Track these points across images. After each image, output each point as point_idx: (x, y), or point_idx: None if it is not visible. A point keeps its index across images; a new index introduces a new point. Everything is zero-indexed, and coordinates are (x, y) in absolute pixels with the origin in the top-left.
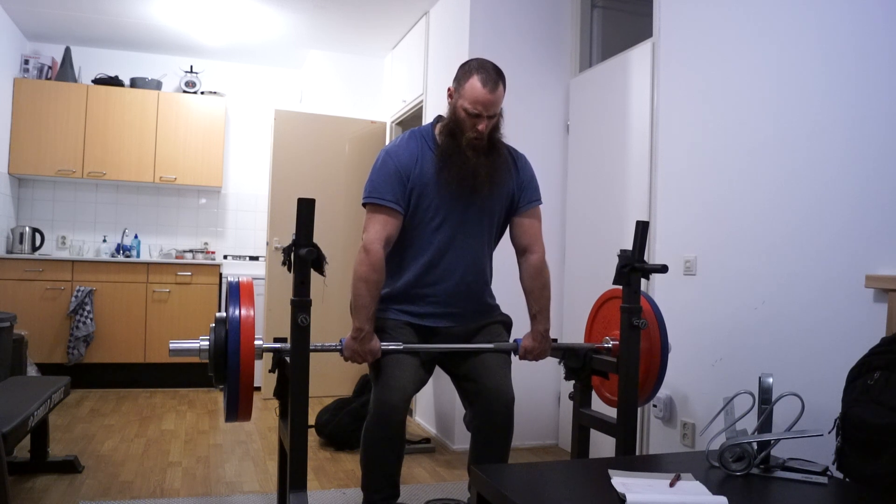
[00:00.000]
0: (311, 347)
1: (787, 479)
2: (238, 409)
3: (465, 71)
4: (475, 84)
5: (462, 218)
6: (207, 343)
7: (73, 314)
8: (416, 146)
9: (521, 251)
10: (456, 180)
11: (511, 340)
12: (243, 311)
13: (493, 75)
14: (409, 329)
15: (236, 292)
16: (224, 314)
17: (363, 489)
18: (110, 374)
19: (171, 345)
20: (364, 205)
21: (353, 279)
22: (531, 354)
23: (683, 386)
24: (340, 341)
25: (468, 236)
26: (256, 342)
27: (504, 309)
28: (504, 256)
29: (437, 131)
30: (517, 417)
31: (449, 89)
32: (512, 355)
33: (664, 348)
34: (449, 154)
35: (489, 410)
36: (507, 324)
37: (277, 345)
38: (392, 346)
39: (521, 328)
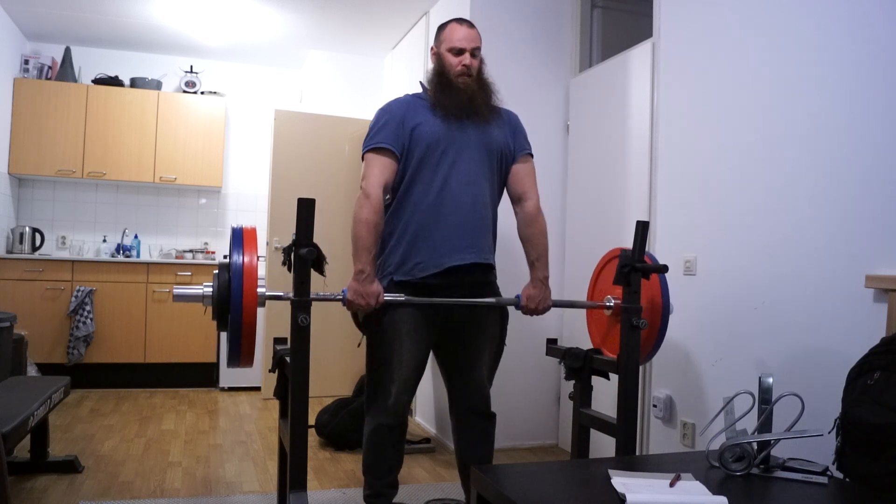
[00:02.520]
0: (312, 296)
1: (787, 479)
2: (241, 353)
3: (441, 27)
4: (453, 26)
5: (465, 144)
6: (211, 289)
7: (73, 314)
8: (408, 100)
9: (516, 200)
10: (454, 105)
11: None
12: (246, 258)
13: (464, 18)
14: (411, 302)
15: (239, 238)
16: (227, 260)
17: (364, 474)
18: (110, 374)
19: (175, 290)
20: (363, 157)
21: (353, 223)
22: (533, 302)
23: (683, 386)
24: (343, 291)
25: (472, 162)
26: (259, 290)
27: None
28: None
29: (426, 86)
30: (517, 417)
31: (432, 48)
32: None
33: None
34: (442, 89)
35: (470, 406)
36: (504, 315)
37: (281, 293)
38: (394, 297)
39: (519, 330)
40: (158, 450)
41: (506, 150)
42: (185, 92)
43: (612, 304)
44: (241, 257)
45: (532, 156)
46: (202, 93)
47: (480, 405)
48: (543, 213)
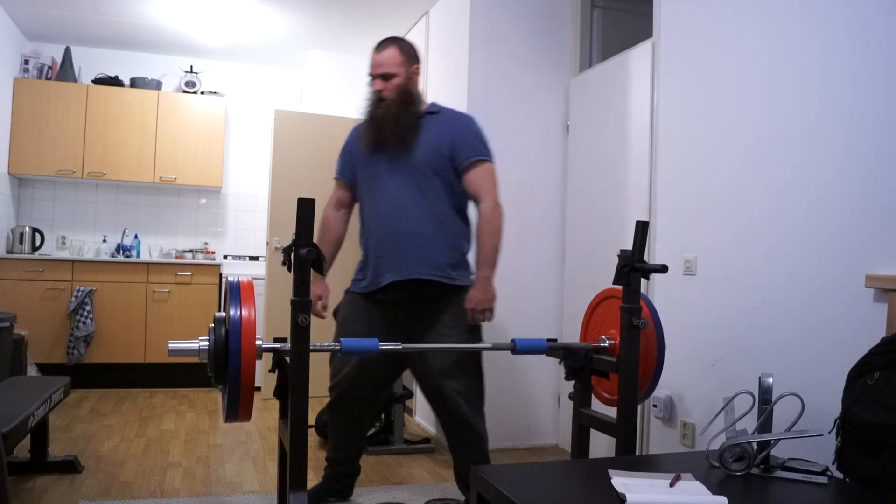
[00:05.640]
0: (311, 347)
1: (787, 479)
2: (238, 409)
3: None
4: (372, 53)
5: (382, 171)
6: (207, 343)
7: (73, 314)
8: (354, 131)
9: (475, 204)
10: (369, 135)
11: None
12: (244, 311)
13: (386, 40)
14: (359, 298)
15: (237, 292)
16: (223, 314)
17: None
18: (110, 374)
19: (170, 345)
20: None
21: None
22: (471, 303)
23: (683, 386)
24: (340, 341)
25: (396, 190)
26: (256, 342)
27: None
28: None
29: None
30: (517, 417)
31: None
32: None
33: (660, 347)
34: (367, 117)
35: (442, 416)
36: (473, 328)
37: (277, 345)
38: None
39: (519, 330)
40: (158, 450)
41: (440, 163)
42: (185, 92)
43: (606, 343)
44: (238, 311)
45: (484, 159)
46: (202, 93)
47: (451, 416)
48: (502, 211)
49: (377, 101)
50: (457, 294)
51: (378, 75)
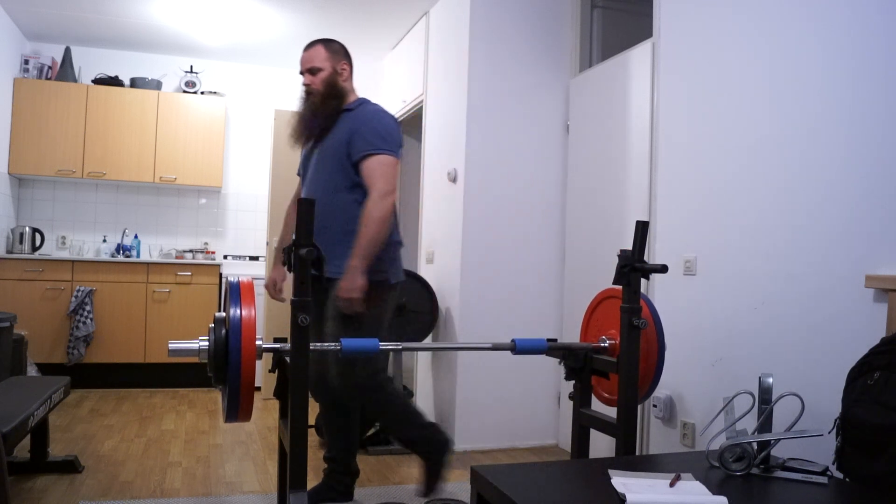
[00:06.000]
0: (311, 347)
1: (787, 479)
2: (238, 409)
3: None
4: (301, 54)
5: (311, 164)
6: (207, 343)
7: (73, 314)
8: None
9: None
10: (294, 131)
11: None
12: (244, 311)
13: (314, 41)
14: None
15: (237, 292)
16: (223, 314)
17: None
18: (110, 374)
19: (170, 345)
20: None
21: None
22: (339, 291)
23: (683, 386)
24: (340, 341)
25: (312, 181)
26: (256, 342)
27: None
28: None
29: None
30: (517, 417)
31: None
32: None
33: (661, 347)
34: (296, 112)
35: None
36: (337, 315)
37: (277, 345)
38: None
39: (519, 330)
40: (158, 450)
41: (342, 155)
42: (185, 92)
43: (606, 344)
44: (238, 311)
45: (376, 152)
46: (202, 93)
47: (321, 394)
48: (388, 204)
49: (306, 94)
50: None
51: (306, 70)
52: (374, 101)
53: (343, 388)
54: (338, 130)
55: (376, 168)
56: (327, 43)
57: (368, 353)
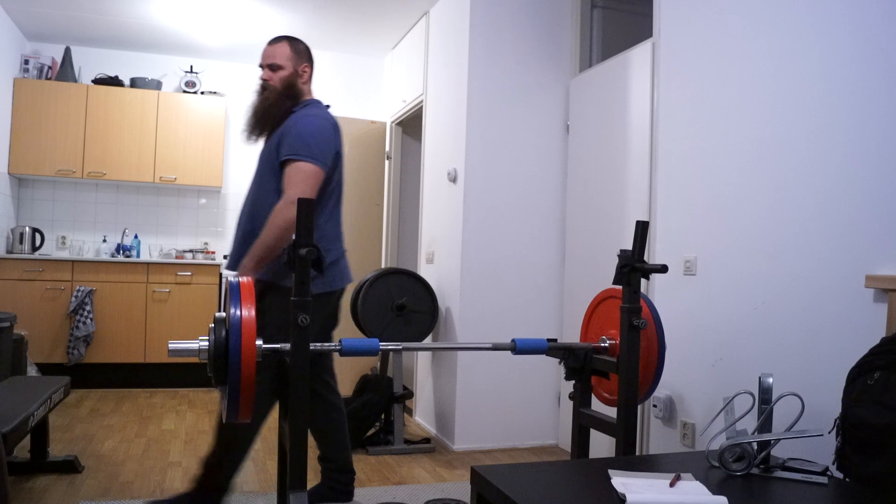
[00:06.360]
0: (311, 347)
1: (787, 479)
2: (238, 409)
3: None
4: (264, 47)
5: (256, 161)
6: (207, 343)
7: (73, 314)
8: None
9: None
10: (247, 126)
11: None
12: (244, 311)
13: (280, 36)
14: None
15: (237, 292)
16: (223, 314)
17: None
18: (110, 374)
19: (170, 345)
20: None
21: None
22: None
23: (683, 386)
24: (340, 341)
25: (252, 181)
26: (256, 342)
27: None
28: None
29: None
30: (517, 417)
31: None
32: None
33: (661, 347)
34: (249, 106)
35: None
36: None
37: (277, 345)
38: None
39: (520, 330)
40: (158, 450)
41: (271, 163)
42: (185, 92)
43: (607, 344)
44: (238, 311)
45: (297, 159)
46: (202, 93)
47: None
48: (293, 209)
49: (261, 89)
50: (263, 298)
51: (266, 65)
52: (373, 101)
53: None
54: (275, 137)
55: (292, 175)
56: (293, 42)
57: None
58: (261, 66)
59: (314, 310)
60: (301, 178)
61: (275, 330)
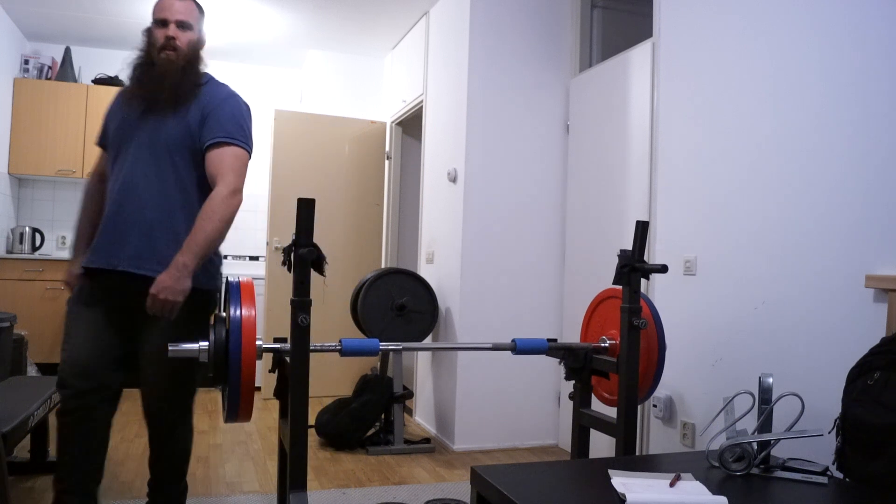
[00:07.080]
0: (311, 347)
1: (787, 479)
2: (238, 409)
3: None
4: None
5: (138, 142)
6: (207, 343)
7: None
8: (119, 93)
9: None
10: (143, 88)
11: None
12: (244, 311)
13: None
14: (85, 279)
15: (237, 292)
16: (223, 314)
17: (54, 482)
18: None
19: (169, 346)
20: None
21: None
22: (156, 288)
23: (683, 386)
24: (340, 341)
25: (137, 160)
26: (256, 342)
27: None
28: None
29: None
30: (517, 417)
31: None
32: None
33: (661, 347)
34: (136, 68)
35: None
36: (198, 311)
37: (277, 345)
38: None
39: (520, 330)
40: None
41: (184, 142)
42: None
43: (607, 344)
44: (238, 311)
45: (233, 143)
46: None
47: (156, 463)
48: (236, 201)
49: (166, 49)
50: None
51: (175, 21)
52: (373, 101)
53: (172, 407)
54: (183, 114)
55: (229, 159)
56: (199, 4)
57: (371, 353)
58: (163, 20)
59: (204, 310)
60: (239, 166)
61: (182, 330)
